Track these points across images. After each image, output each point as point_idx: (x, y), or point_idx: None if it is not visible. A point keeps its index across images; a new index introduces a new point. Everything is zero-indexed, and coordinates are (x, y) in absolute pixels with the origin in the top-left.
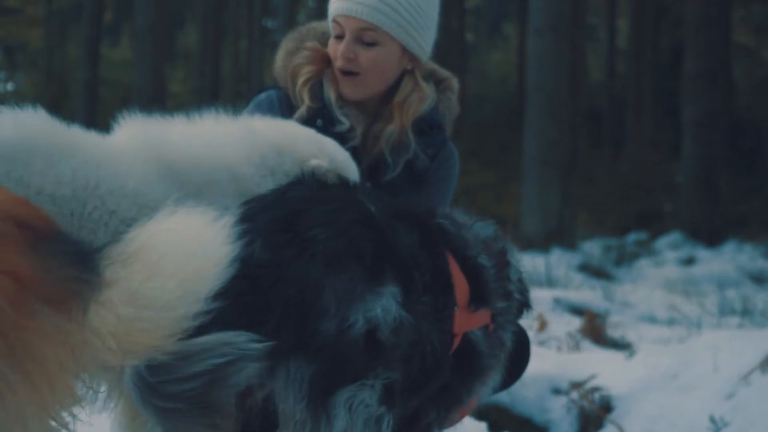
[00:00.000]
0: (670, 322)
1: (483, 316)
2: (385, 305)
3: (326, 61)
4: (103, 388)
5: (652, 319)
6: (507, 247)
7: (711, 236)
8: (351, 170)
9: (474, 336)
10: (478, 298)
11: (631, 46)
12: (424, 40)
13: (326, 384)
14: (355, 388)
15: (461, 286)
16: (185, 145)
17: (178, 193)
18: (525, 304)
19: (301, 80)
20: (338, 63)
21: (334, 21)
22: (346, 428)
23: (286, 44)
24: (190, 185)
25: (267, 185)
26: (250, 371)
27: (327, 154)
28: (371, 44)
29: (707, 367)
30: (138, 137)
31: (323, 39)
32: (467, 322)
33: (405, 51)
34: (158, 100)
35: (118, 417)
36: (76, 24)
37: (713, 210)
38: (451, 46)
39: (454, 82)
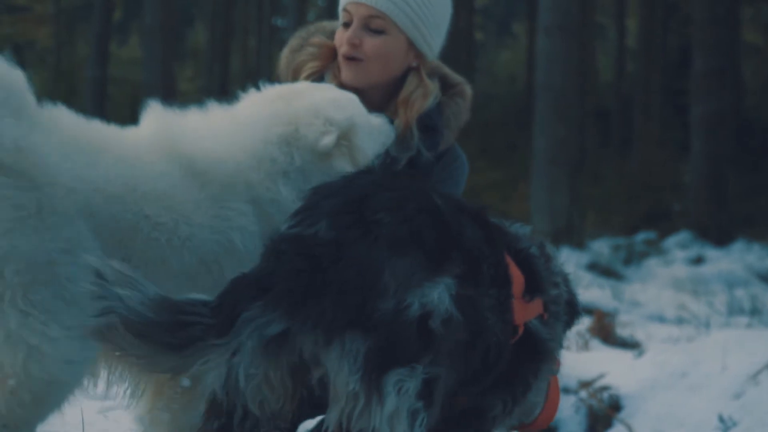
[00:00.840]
0: (679, 321)
1: (537, 306)
2: (440, 295)
3: (332, 57)
4: (124, 384)
5: (660, 319)
6: (545, 243)
7: (720, 235)
8: (370, 125)
9: (532, 325)
10: (533, 288)
11: (640, 46)
12: (432, 38)
13: (380, 361)
14: (405, 372)
15: (517, 277)
16: (202, 141)
17: (199, 194)
18: (572, 301)
19: (303, 75)
20: (343, 49)
21: (344, 9)
22: (394, 411)
23: (291, 42)
24: (211, 186)
25: (279, 189)
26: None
27: (334, 119)
28: (378, 32)
29: (716, 367)
30: (157, 131)
31: (331, 37)
32: (524, 312)
33: (411, 46)
34: (167, 99)
35: (139, 409)
36: (85, 22)
37: (722, 209)
38: (459, 45)
39: (466, 89)
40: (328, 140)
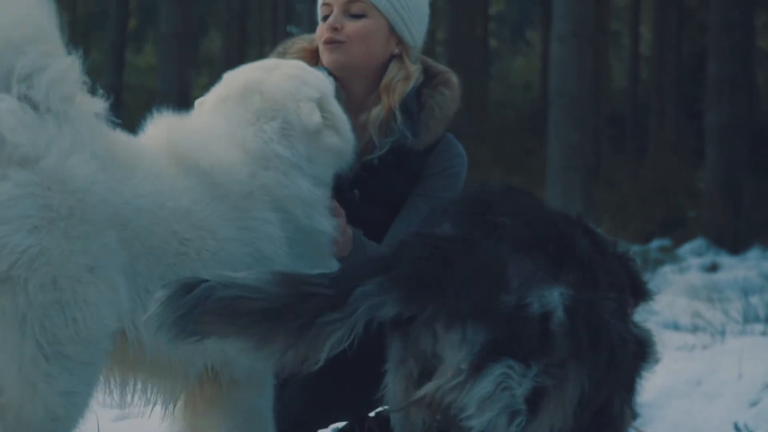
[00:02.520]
0: (694, 329)
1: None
2: (559, 298)
3: (313, 59)
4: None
5: (675, 326)
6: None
7: (735, 243)
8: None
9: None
10: (635, 292)
11: (654, 52)
12: (413, 23)
13: (496, 350)
14: (517, 366)
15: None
16: (207, 145)
17: (221, 206)
18: None
19: None
20: (323, 37)
21: (324, 4)
22: (487, 396)
23: (270, 57)
24: (230, 197)
25: (298, 183)
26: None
27: (310, 95)
28: (359, 16)
29: (731, 375)
30: (166, 140)
31: (308, 55)
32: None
33: (392, 32)
34: (182, 107)
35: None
36: (100, 30)
37: (737, 216)
38: (474, 52)
39: (451, 77)
40: (316, 118)
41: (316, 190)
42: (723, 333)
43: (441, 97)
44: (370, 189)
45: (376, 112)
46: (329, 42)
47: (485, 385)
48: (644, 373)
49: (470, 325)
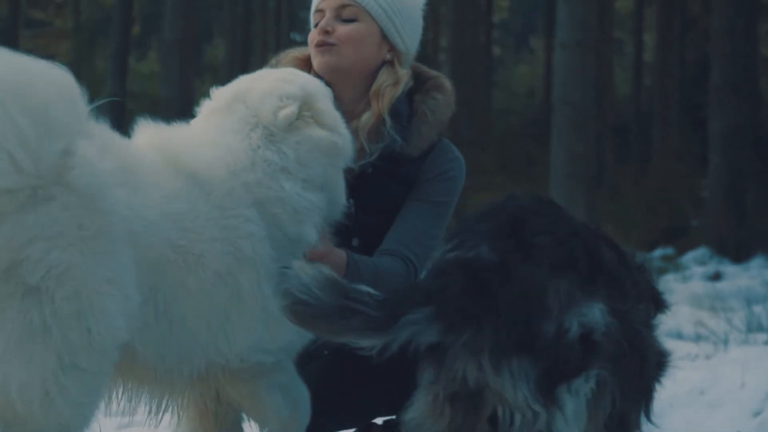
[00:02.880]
0: (697, 338)
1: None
2: (598, 312)
3: (306, 68)
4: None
5: (678, 335)
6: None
7: (738, 251)
8: (322, 86)
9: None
10: (655, 302)
11: (658, 60)
12: (405, 30)
13: (550, 381)
14: (578, 381)
15: None
16: (195, 149)
17: (206, 205)
18: None
19: None
20: (315, 40)
21: (317, 11)
22: (576, 409)
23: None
24: (213, 195)
25: (282, 185)
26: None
27: (289, 93)
28: (350, 20)
29: (735, 384)
30: (156, 146)
31: (300, 63)
32: None
33: (384, 38)
34: (185, 113)
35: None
36: (104, 37)
37: (740, 225)
38: (477, 59)
39: (444, 81)
40: (288, 111)
41: (306, 194)
42: (726, 342)
43: (433, 102)
44: (365, 197)
45: (366, 118)
46: (320, 45)
47: (569, 407)
48: (661, 383)
49: (515, 361)
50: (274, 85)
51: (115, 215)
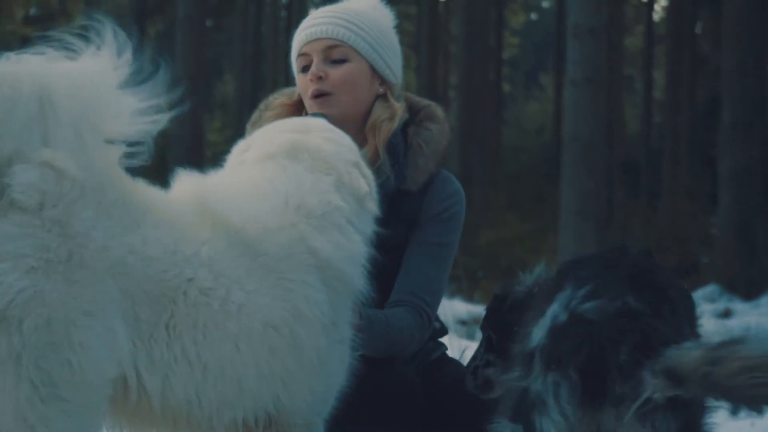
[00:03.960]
0: None
1: None
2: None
3: (296, 112)
4: None
5: None
6: None
7: (748, 289)
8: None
9: None
10: None
11: (668, 97)
12: (392, 61)
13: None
14: None
15: None
16: (247, 208)
17: (252, 263)
18: None
19: None
20: (310, 89)
21: (300, 55)
22: None
23: (252, 117)
24: (266, 256)
25: (357, 239)
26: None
27: (358, 162)
28: (341, 61)
29: (745, 421)
30: (198, 197)
31: (291, 110)
32: None
33: (374, 72)
34: (196, 149)
35: None
36: None
37: (750, 262)
38: (487, 97)
39: (435, 110)
40: (364, 185)
41: (362, 248)
42: None
43: (427, 133)
44: None
45: (363, 154)
46: (317, 96)
47: None
48: None
49: (660, 414)
50: (336, 147)
51: (92, 242)
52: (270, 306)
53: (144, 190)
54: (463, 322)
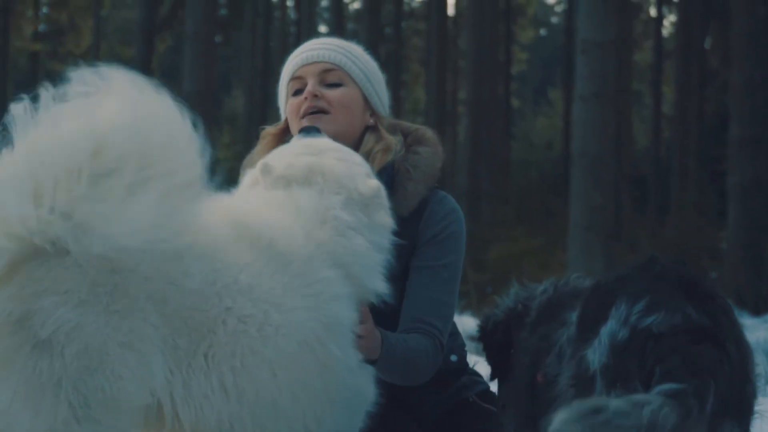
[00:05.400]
0: None
1: None
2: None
3: (282, 139)
4: None
5: None
6: None
7: (756, 303)
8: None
9: None
10: None
11: (676, 112)
12: (382, 95)
13: None
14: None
15: None
16: (285, 230)
17: (285, 276)
18: None
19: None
20: (303, 106)
21: (294, 78)
22: None
23: (243, 162)
24: (294, 265)
25: (359, 241)
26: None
27: (362, 173)
28: (336, 84)
29: None
30: (233, 220)
31: (278, 140)
32: None
33: (366, 102)
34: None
35: None
36: None
37: (759, 277)
38: (496, 112)
39: (425, 133)
40: (373, 183)
41: (374, 254)
42: None
43: (416, 157)
44: None
45: None
46: (313, 112)
47: None
48: None
49: (726, 423)
50: (348, 166)
51: (136, 275)
52: (305, 322)
53: (191, 219)
54: (472, 338)
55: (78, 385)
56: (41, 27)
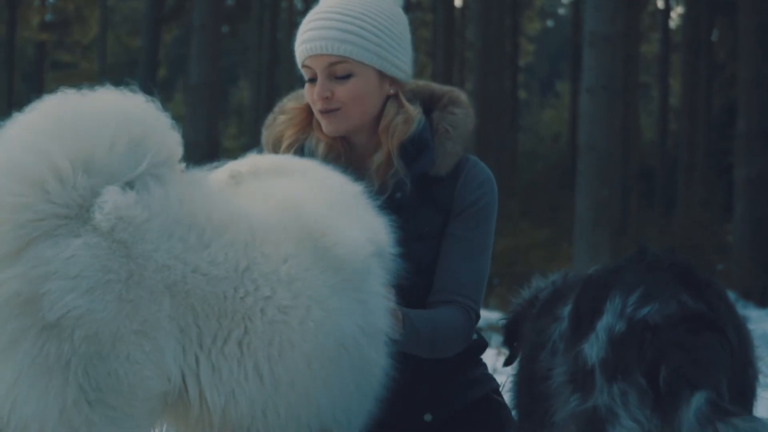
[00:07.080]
0: None
1: None
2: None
3: (308, 117)
4: None
5: None
6: None
7: (763, 296)
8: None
9: None
10: None
11: (684, 106)
12: (400, 59)
13: None
14: None
15: None
16: (336, 224)
17: (334, 278)
18: None
19: (284, 146)
20: (317, 106)
21: (304, 66)
22: None
23: (266, 120)
24: (348, 272)
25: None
26: None
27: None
28: (345, 77)
29: None
30: (284, 209)
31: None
32: None
33: (383, 76)
34: (211, 156)
35: None
36: (129, 79)
37: (765, 270)
38: (503, 104)
39: (459, 95)
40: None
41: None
42: None
43: (452, 117)
44: (402, 226)
45: (377, 158)
46: (325, 112)
47: None
48: None
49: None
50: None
51: (152, 263)
52: (346, 323)
53: (226, 206)
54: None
55: (89, 369)
56: (48, 17)
